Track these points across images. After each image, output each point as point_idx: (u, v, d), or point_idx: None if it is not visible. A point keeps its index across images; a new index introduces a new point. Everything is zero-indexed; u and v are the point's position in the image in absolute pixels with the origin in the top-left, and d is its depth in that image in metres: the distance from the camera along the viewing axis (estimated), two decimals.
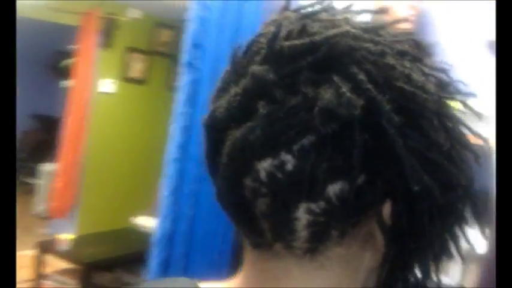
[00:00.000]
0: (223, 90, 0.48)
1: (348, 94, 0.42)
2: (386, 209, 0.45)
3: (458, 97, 0.48)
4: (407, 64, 0.45)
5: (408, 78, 0.44)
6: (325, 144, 0.42)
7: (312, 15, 0.48)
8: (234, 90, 0.46)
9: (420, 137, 0.44)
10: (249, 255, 0.51)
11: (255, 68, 0.45)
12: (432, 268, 0.47)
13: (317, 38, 0.44)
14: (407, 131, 0.43)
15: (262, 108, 0.44)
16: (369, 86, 0.43)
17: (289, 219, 0.45)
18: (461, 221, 0.47)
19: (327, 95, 0.42)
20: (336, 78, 0.43)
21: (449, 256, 0.48)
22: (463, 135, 0.47)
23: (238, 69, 0.47)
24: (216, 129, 0.47)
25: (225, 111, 0.46)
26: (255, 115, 0.44)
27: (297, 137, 0.43)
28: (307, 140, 0.43)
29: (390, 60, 0.45)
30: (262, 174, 0.44)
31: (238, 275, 0.53)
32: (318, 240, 0.46)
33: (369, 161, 0.43)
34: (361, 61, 0.44)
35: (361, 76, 0.43)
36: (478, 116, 0.52)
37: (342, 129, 0.42)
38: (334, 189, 0.43)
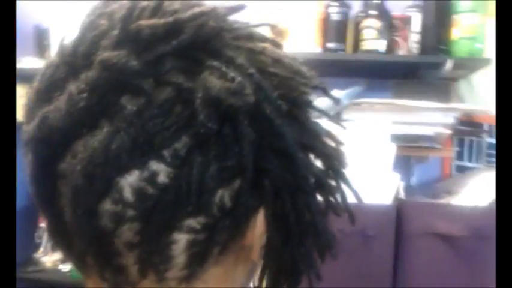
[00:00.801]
0: (49, 91, 0.37)
1: (240, 79, 0.35)
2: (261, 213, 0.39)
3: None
4: (274, 49, 0.40)
5: (280, 63, 0.39)
6: (209, 142, 0.35)
7: None
8: (75, 86, 0.35)
9: (299, 127, 0.39)
10: None
11: (108, 55, 0.34)
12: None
13: (181, 16, 0.35)
14: (290, 121, 0.38)
15: (129, 103, 0.34)
16: (252, 70, 0.36)
17: (165, 245, 0.36)
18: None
19: (212, 82, 0.35)
20: (215, 64, 0.36)
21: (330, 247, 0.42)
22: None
23: (72, 60, 0.37)
24: (50, 143, 0.36)
25: (66, 115, 0.35)
26: (115, 115, 0.34)
27: (172, 139, 0.34)
28: (183, 142, 0.35)
29: (257, 44, 0.39)
30: (127, 193, 0.35)
31: None
32: (198, 263, 0.38)
33: (258, 158, 0.37)
34: (232, 44, 0.38)
35: (241, 60, 0.37)
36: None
37: (229, 122, 0.35)
38: (219, 196, 0.36)
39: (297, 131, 0.38)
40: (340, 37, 1.64)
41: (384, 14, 1.61)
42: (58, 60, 0.38)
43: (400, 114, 1.48)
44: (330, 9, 1.65)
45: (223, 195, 0.37)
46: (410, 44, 1.64)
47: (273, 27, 1.56)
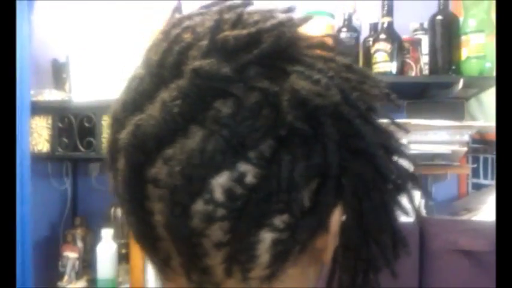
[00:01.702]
0: (137, 101, 0.39)
1: (326, 80, 0.37)
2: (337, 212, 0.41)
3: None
4: (341, 57, 0.42)
5: (351, 69, 0.41)
6: (295, 142, 0.37)
7: (234, 8, 0.40)
8: (167, 94, 0.37)
9: (373, 128, 0.41)
10: None
11: (200, 63, 0.37)
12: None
13: (262, 27, 0.38)
14: (366, 122, 0.40)
15: (223, 107, 0.36)
16: (332, 73, 0.39)
17: (251, 243, 0.38)
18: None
19: (299, 85, 0.37)
20: (299, 68, 0.38)
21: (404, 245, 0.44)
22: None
23: (159, 72, 0.39)
24: (143, 149, 0.38)
25: (160, 122, 0.37)
26: (207, 119, 0.36)
27: (259, 140, 0.36)
28: (269, 143, 0.37)
29: (328, 52, 0.42)
30: (218, 193, 0.37)
31: None
32: (280, 262, 0.39)
33: (339, 157, 0.38)
34: (307, 52, 0.40)
35: (320, 65, 0.39)
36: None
37: (314, 123, 0.37)
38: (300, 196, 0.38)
39: (373, 131, 0.40)
40: (352, 61, 1.67)
41: (393, 36, 1.65)
42: (144, 72, 0.40)
43: (415, 134, 1.50)
44: (341, 35, 1.69)
45: (302, 195, 0.38)
46: (421, 65, 1.68)
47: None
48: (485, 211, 1.51)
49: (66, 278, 1.81)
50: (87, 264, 1.90)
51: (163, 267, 0.42)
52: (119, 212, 1.86)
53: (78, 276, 1.84)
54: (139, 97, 0.40)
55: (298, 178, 0.37)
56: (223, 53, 0.37)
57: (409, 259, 1.27)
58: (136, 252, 1.50)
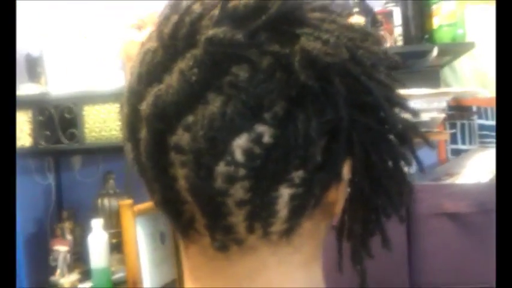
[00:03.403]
0: (153, 73, 0.41)
1: (334, 40, 0.39)
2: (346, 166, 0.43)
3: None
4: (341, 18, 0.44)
5: (352, 29, 0.43)
6: (307, 101, 0.39)
7: None
8: (184, 64, 0.39)
9: (378, 83, 0.42)
10: (204, 269, 0.45)
11: (213, 32, 0.38)
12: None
13: None
14: (372, 78, 0.41)
15: (241, 72, 0.38)
16: (338, 33, 0.40)
17: (271, 199, 0.40)
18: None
19: (309, 45, 0.39)
20: (307, 30, 0.40)
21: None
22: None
23: (173, 43, 0.40)
24: (164, 118, 0.40)
25: (179, 91, 0.39)
26: (224, 85, 0.38)
27: (274, 101, 0.38)
28: (283, 103, 0.38)
29: (330, 14, 0.43)
30: (238, 155, 0.39)
31: None
32: (298, 215, 0.42)
33: (350, 111, 0.40)
34: (311, 15, 0.42)
35: (326, 26, 0.41)
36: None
37: (324, 80, 0.39)
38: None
39: (378, 86, 0.42)
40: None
41: (366, 10, 1.67)
42: (157, 45, 0.41)
43: None
44: None
45: (316, 151, 0.40)
46: (395, 36, 1.70)
47: None
48: (466, 174, 1.55)
49: (58, 271, 1.81)
50: (78, 257, 1.90)
51: (187, 230, 0.44)
52: (107, 202, 1.87)
53: (70, 269, 1.84)
54: (154, 69, 0.41)
55: (313, 134, 0.39)
56: (234, 20, 0.39)
57: (396, 225, 1.29)
58: (129, 239, 1.50)
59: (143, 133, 0.41)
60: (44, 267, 1.87)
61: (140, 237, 1.57)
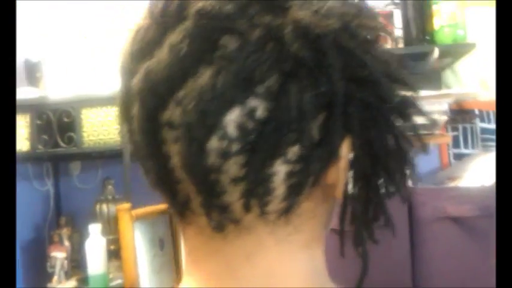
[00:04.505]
0: (145, 49, 0.40)
1: (325, 10, 0.39)
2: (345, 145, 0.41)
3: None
4: None
5: (345, 4, 0.41)
6: (301, 73, 0.38)
7: None
8: (174, 37, 0.38)
9: (372, 57, 0.41)
10: (201, 250, 0.44)
11: (202, 4, 0.38)
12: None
13: None
14: (367, 51, 0.41)
15: (228, 43, 0.37)
16: (330, 4, 0.40)
17: (267, 176, 0.39)
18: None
19: (300, 15, 0.38)
20: (297, 1, 0.39)
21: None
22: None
23: (163, 20, 0.40)
24: (155, 93, 0.39)
25: (170, 64, 0.38)
26: (215, 57, 0.37)
27: (266, 74, 0.37)
28: (276, 76, 0.37)
29: None
30: (231, 129, 0.38)
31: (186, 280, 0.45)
32: (296, 194, 0.40)
33: (346, 85, 0.39)
34: None
35: None
36: None
37: (318, 52, 0.38)
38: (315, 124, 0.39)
39: (374, 60, 0.41)
40: None
41: None
42: (149, 22, 0.41)
43: None
44: None
45: (312, 127, 0.39)
46: (396, 38, 1.69)
47: None
48: (469, 178, 1.53)
49: (55, 278, 1.79)
50: (76, 264, 1.88)
51: (183, 211, 0.43)
52: (105, 208, 1.85)
53: (67, 276, 1.82)
54: (146, 45, 0.40)
55: (307, 107, 0.38)
56: None
57: (399, 230, 1.28)
58: (127, 244, 1.48)
59: (135, 110, 0.40)
60: (41, 273, 1.85)
61: (139, 243, 1.54)
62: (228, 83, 0.37)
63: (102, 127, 1.74)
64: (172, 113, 0.38)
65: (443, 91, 1.59)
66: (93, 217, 1.83)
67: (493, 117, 1.88)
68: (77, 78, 1.78)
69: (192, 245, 0.45)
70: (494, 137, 1.87)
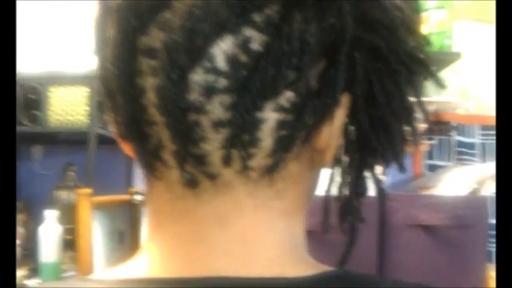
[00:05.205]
0: None
1: None
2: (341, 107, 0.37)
3: None
4: None
5: None
6: (307, 3, 0.34)
7: None
8: None
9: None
10: (169, 211, 0.38)
11: None
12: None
13: None
14: None
15: None
16: None
17: (254, 122, 0.34)
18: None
19: None
20: None
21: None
22: None
23: None
24: (135, 12, 0.34)
25: None
26: None
27: (267, 0, 0.33)
28: (278, 6, 0.34)
29: None
30: (220, 61, 0.33)
31: (148, 246, 0.40)
32: (283, 149, 0.36)
33: (356, 25, 0.35)
34: None
35: None
36: None
37: None
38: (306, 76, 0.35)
39: (393, 7, 0.37)
40: None
41: None
42: None
43: None
44: None
45: (310, 75, 0.35)
46: None
47: None
48: (442, 188, 1.51)
49: None
50: (29, 253, 1.79)
51: (153, 161, 0.37)
52: (65, 195, 1.77)
53: (18, 264, 1.73)
54: None
55: (311, 39, 0.33)
56: None
57: (368, 235, 1.25)
58: (84, 232, 1.40)
59: (111, 31, 0.36)
60: None
61: (97, 234, 1.47)
62: (223, 3, 0.32)
63: (70, 107, 1.66)
64: (153, 38, 0.34)
65: (425, 99, 1.56)
66: (52, 204, 1.74)
67: (471, 131, 1.87)
68: (48, 54, 1.71)
69: (159, 205, 0.39)
70: (470, 151, 1.86)
